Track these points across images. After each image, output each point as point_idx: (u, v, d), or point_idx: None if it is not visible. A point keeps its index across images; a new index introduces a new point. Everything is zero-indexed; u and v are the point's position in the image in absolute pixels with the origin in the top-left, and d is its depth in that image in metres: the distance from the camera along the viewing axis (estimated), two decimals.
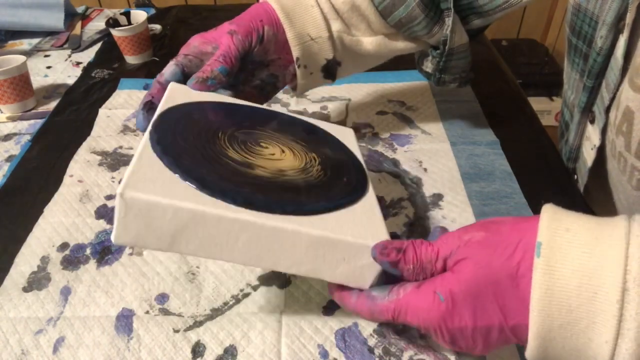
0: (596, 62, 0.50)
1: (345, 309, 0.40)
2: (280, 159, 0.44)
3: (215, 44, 0.52)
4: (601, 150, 0.54)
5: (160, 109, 0.43)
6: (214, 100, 0.48)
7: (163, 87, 0.49)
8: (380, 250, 0.37)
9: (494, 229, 0.35)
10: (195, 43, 0.52)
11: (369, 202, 0.43)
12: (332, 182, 0.43)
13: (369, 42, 0.57)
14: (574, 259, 0.31)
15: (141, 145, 0.38)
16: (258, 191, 0.37)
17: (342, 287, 0.40)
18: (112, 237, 0.35)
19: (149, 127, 0.40)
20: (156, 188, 0.34)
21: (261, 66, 0.56)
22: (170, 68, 0.50)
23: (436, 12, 0.55)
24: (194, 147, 0.39)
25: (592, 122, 0.55)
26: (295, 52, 0.54)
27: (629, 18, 0.45)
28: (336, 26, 0.55)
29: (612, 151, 0.51)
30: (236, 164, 0.40)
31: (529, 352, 0.33)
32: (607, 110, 0.51)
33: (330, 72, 0.57)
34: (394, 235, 0.53)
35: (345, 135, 0.52)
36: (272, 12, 0.53)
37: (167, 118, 0.42)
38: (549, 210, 0.33)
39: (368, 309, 0.38)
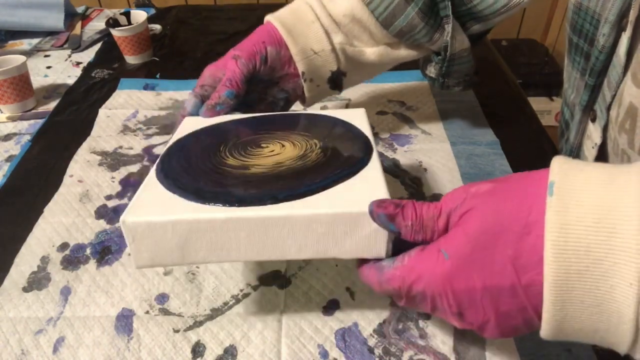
0: (598, 60, 0.50)
1: (363, 282, 0.38)
2: (278, 153, 0.45)
3: (224, 71, 0.54)
4: (602, 149, 0.54)
5: (172, 139, 0.48)
6: (222, 121, 0.51)
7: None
8: (378, 203, 0.35)
9: (503, 179, 0.33)
10: (208, 73, 0.56)
11: (371, 170, 0.41)
12: (331, 161, 0.42)
13: (371, 52, 0.58)
14: (589, 195, 0.28)
15: (148, 176, 0.41)
16: (250, 187, 0.38)
17: (361, 262, 0.38)
18: (133, 264, 0.38)
19: (157, 160, 0.44)
20: (154, 210, 0.37)
21: (271, 84, 0.58)
22: (190, 101, 0.54)
23: (436, 19, 0.56)
24: (194, 165, 0.42)
25: (594, 120, 0.55)
26: (301, 67, 0.56)
27: (632, 15, 0.45)
28: (338, 39, 0.57)
29: (614, 149, 0.51)
30: (233, 169, 0.42)
31: (545, 320, 0.29)
32: (609, 108, 0.51)
33: (337, 83, 0.59)
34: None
35: (355, 117, 0.51)
36: (274, 31, 0.55)
37: (175, 147, 0.46)
38: (560, 158, 0.31)
39: (377, 280, 0.36)
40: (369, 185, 0.39)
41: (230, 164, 0.43)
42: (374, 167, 0.41)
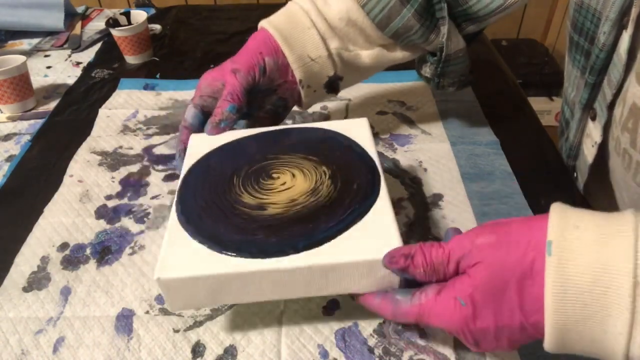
0: (598, 59, 0.50)
1: (368, 309, 0.41)
2: (291, 186, 0.46)
3: (223, 81, 0.54)
4: (602, 148, 0.54)
5: (185, 165, 0.49)
6: (229, 141, 0.52)
7: (189, 130, 0.54)
8: (389, 259, 0.38)
9: (504, 231, 0.35)
10: (205, 83, 0.56)
11: (381, 207, 0.43)
12: (342, 196, 0.44)
13: (367, 55, 0.58)
14: (584, 255, 0.31)
15: (170, 219, 0.43)
16: (270, 234, 0.41)
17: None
18: (169, 308, 0.44)
19: (175, 198, 0.46)
20: (184, 264, 0.40)
21: (269, 93, 0.58)
22: (190, 111, 0.55)
23: (432, 20, 0.56)
24: (212, 204, 0.44)
25: (594, 119, 0.55)
26: (298, 75, 0.56)
27: (634, 13, 0.45)
28: (334, 44, 0.56)
29: (616, 148, 0.51)
30: (250, 209, 0.44)
31: (547, 344, 0.34)
32: (609, 106, 0.51)
33: (333, 87, 0.59)
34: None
35: (358, 129, 0.52)
36: (270, 39, 0.55)
37: (189, 181, 0.47)
38: (556, 209, 0.34)
39: (391, 311, 0.39)
40: (381, 227, 0.41)
41: (247, 203, 0.44)
42: (383, 202, 0.44)
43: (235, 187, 0.46)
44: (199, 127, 0.55)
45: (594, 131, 0.55)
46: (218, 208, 0.44)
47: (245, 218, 0.43)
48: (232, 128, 0.54)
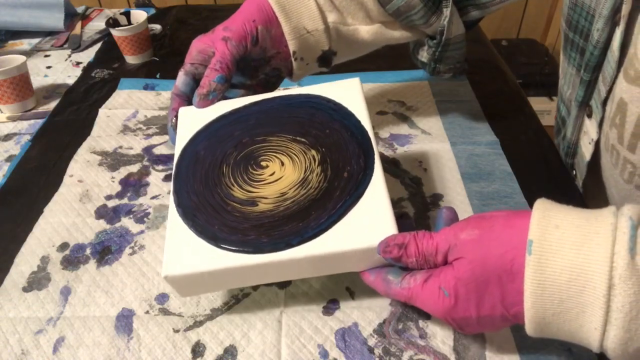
0: (593, 56, 0.50)
1: (366, 282, 0.43)
2: (280, 176, 0.46)
3: (214, 48, 0.53)
4: (597, 145, 0.55)
5: (177, 148, 0.50)
6: (217, 117, 0.52)
7: (180, 98, 0.54)
8: (383, 248, 0.40)
9: (487, 226, 0.37)
10: (196, 50, 0.54)
11: (374, 191, 0.43)
12: (332, 187, 0.44)
13: (365, 30, 0.58)
14: (563, 256, 0.33)
15: (169, 213, 0.45)
16: (262, 234, 0.42)
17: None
18: (180, 295, 0.46)
19: (171, 188, 0.46)
20: (188, 261, 0.41)
21: (262, 63, 0.57)
22: (180, 78, 0.54)
23: (434, 2, 0.56)
24: (204, 201, 0.45)
25: (590, 116, 0.55)
26: (292, 46, 0.55)
27: (625, 10, 0.45)
28: (332, 17, 0.56)
29: (605, 144, 0.51)
30: (241, 205, 0.44)
31: (527, 331, 0.36)
32: (604, 103, 0.51)
33: (326, 61, 0.59)
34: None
35: (349, 91, 0.51)
36: (265, 7, 0.54)
37: (181, 172, 0.48)
38: (540, 207, 0.35)
39: (383, 290, 0.42)
40: (375, 212, 0.42)
41: (238, 198, 0.45)
42: (377, 185, 0.44)
43: (225, 177, 0.46)
44: (190, 95, 0.54)
45: (590, 128, 0.55)
46: (210, 205, 0.44)
47: (237, 216, 0.43)
48: (222, 98, 0.53)
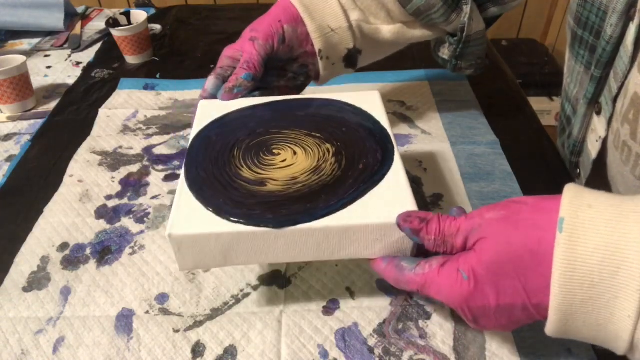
0: (605, 52, 0.50)
1: (375, 271, 0.42)
2: (292, 163, 0.45)
3: (242, 51, 0.54)
4: (604, 142, 0.54)
5: (192, 132, 0.49)
6: (235, 109, 0.52)
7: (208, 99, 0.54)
8: (404, 217, 0.38)
9: (515, 208, 0.35)
10: (226, 55, 0.55)
11: (394, 176, 0.43)
12: (346, 175, 0.43)
13: (387, 30, 0.58)
14: (596, 234, 0.30)
15: (179, 181, 0.44)
16: (267, 211, 0.40)
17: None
18: (179, 267, 0.42)
19: (184, 162, 0.46)
20: (196, 222, 0.40)
21: (290, 62, 0.58)
22: (210, 82, 0.54)
23: (454, 0, 0.56)
24: (211, 176, 0.44)
25: (599, 113, 0.55)
26: (317, 45, 0.56)
27: None
28: (355, 15, 0.56)
29: (615, 142, 0.51)
30: (248, 184, 0.43)
31: (549, 326, 0.33)
32: (615, 100, 0.51)
33: (352, 61, 0.59)
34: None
35: (370, 102, 0.52)
36: (290, 8, 0.55)
37: (192, 152, 0.47)
38: (571, 189, 0.33)
39: (395, 277, 0.39)
40: (394, 193, 0.41)
41: (246, 178, 0.44)
42: (397, 172, 0.43)
43: (235, 159, 0.46)
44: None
45: (598, 126, 0.55)
46: (217, 181, 0.43)
47: (243, 193, 0.42)
48: (245, 96, 0.53)
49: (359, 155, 0.45)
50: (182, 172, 0.45)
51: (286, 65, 0.58)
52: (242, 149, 0.47)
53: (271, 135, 0.48)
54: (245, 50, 0.53)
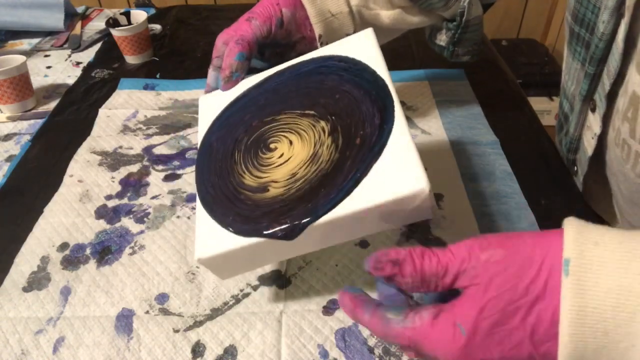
0: (598, 48, 0.50)
1: (359, 323, 0.37)
2: (289, 157, 0.44)
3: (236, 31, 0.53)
4: (600, 140, 0.55)
5: (199, 133, 0.51)
6: (230, 102, 0.51)
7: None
8: (374, 264, 0.33)
9: (513, 246, 0.31)
10: (221, 42, 0.54)
11: (396, 142, 0.40)
12: (344, 157, 0.42)
13: (386, 15, 0.58)
14: (606, 276, 0.27)
15: (197, 201, 0.46)
16: (274, 222, 0.41)
17: (354, 302, 0.35)
18: (221, 278, 0.46)
19: (195, 179, 0.48)
20: (216, 243, 0.42)
21: (288, 48, 0.57)
22: (210, 76, 0.54)
23: None
24: (219, 191, 0.45)
25: (593, 110, 0.55)
26: (318, 30, 0.55)
27: (630, 1, 0.45)
28: (355, 1, 0.56)
29: (615, 139, 0.51)
30: (252, 192, 0.44)
31: None
32: (608, 96, 0.51)
33: None
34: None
35: (363, 45, 0.48)
36: None
37: (199, 162, 0.49)
38: (573, 223, 0.30)
39: (382, 331, 0.34)
40: (399, 162, 0.39)
41: (249, 186, 0.44)
42: (398, 136, 0.41)
43: (237, 164, 0.46)
44: None
45: (593, 123, 0.55)
46: (225, 196, 0.45)
47: (249, 204, 0.43)
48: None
49: (355, 127, 0.43)
50: (197, 193, 0.46)
51: (284, 51, 0.57)
52: (242, 151, 0.47)
53: (267, 126, 0.48)
54: (240, 28, 0.52)
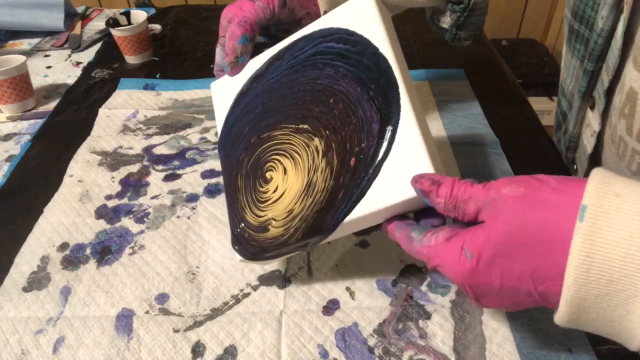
0: (597, 45, 0.50)
1: (395, 240, 0.40)
2: (284, 190, 0.44)
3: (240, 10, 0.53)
4: (599, 137, 0.55)
5: (217, 124, 0.53)
6: (231, 105, 0.53)
7: (223, 73, 0.55)
8: (416, 178, 0.36)
9: (536, 186, 0.32)
10: (225, 20, 0.54)
11: (404, 142, 0.39)
12: (337, 183, 0.41)
13: None
14: (621, 227, 0.28)
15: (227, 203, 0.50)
16: (281, 247, 0.44)
17: (392, 222, 0.40)
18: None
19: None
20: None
21: (293, 25, 0.57)
22: (218, 54, 0.55)
23: None
24: (236, 231, 0.47)
25: (592, 107, 0.55)
26: (323, 6, 0.55)
27: None
28: None
29: (612, 137, 0.51)
30: (255, 232, 0.46)
31: (558, 317, 0.31)
32: (607, 93, 0.51)
33: None
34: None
35: (364, 14, 0.44)
36: None
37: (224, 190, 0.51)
38: (598, 173, 0.30)
39: (406, 247, 0.38)
40: (410, 162, 0.38)
41: (251, 224, 0.46)
42: (406, 128, 0.39)
43: (240, 194, 0.48)
44: None
45: (592, 120, 0.55)
46: (241, 236, 0.46)
47: (254, 245, 0.45)
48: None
49: (351, 142, 0.41)
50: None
51: (289, 30, 0.56)
52: (243, 177, 0.49)
53: (264, 144, 0.48)
54: (243, 8, 0.52)
